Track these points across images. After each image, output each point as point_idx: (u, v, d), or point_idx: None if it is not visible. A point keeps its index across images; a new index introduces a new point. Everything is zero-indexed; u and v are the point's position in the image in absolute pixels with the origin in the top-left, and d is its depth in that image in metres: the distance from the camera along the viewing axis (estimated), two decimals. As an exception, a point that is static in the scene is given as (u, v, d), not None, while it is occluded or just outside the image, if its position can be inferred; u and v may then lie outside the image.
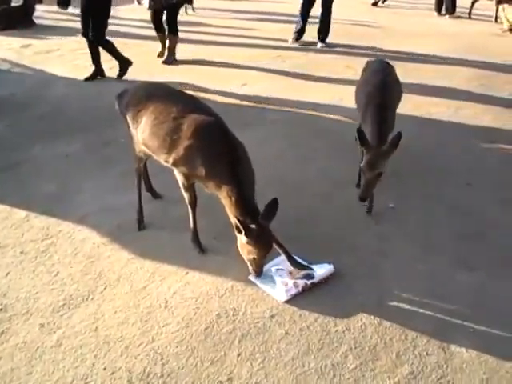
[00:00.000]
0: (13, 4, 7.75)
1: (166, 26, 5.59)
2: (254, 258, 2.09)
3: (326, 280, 2.20)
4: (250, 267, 2.15)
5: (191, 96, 2.61)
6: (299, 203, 2.84)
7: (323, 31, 6.44)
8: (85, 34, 4.86)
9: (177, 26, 5.55)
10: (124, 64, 5.08)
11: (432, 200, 2.94)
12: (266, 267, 2.23)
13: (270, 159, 3.31)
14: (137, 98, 2.49)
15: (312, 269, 2.20)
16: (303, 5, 6.35)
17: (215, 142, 2.18)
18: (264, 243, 2.05)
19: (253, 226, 2.02)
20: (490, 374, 1.80)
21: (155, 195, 2.89)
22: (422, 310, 2.08)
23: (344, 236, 2.57)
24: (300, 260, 2.24)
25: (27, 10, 7.50)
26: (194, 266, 2.30)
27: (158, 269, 2.29)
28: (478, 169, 3.37)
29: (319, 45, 6.45)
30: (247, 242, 2.04)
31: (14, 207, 2.77)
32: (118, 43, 5.50)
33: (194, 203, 2.37)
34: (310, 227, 2.63)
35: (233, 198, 2.08)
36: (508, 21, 8.01)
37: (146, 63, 5.50)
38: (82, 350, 1.86)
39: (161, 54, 5.77)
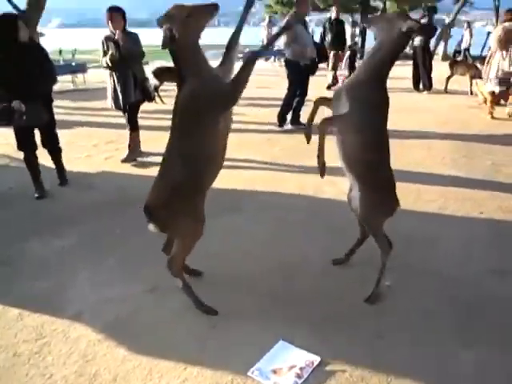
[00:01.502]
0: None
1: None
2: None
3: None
4: None
5: None
6: (296, 283, 2.83)
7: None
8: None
9: (137, 124, 5.50)
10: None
11: (429, 276, 2.94)
12: (262, 363, 2.18)
13: (267, 241, 3.35)
14: None
15: None
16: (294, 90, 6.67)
17: None
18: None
19: None
20: None
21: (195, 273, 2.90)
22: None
23: (340, 316, 2.54)
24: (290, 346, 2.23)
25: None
26: (193, 361, 2.23)
27: (156, 366, 2.22)
28: (469, 239, 3.41)
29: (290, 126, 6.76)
30: None
31: (7, 305, 2.72)
32: (114, 134, 5.74)
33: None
34: (304, 307, 2.60)
35: None
36: (482, 93, 8.48)
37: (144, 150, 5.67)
38: None
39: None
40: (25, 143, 4.40)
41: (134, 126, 5.47)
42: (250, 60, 2.38)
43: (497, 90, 7.45)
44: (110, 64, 4.97)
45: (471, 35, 15.32)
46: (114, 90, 5.15)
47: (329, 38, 10.22)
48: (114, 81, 5.12)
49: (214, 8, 2.31)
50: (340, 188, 4.34)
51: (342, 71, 10.94)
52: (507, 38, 7.38)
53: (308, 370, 2.15)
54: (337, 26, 10.17)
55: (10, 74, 4.00)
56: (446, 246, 3.33)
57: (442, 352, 2.27)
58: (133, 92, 5.13)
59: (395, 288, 2.80)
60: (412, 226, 3.64)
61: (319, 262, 3.11)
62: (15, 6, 8.35)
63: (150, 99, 5.47)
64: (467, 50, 15.39)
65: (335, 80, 10.46)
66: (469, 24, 13.87)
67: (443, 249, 3.30)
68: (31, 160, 4.48)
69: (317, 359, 2.21)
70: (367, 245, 3.31)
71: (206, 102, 2.26)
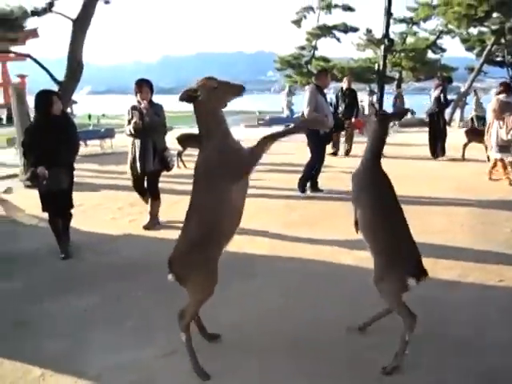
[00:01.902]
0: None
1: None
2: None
3: None
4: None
5: None
6: (310, 352, 2.84)
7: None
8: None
9: (158, 192, 5.55)
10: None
11: (443, 339, 2.92)
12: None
13: (280, 308, 3.38)
14: None
15: None
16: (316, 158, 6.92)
17: None
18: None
19: None
20: None
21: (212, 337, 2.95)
22: None
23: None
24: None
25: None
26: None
27: (172, 430, 2.23)
28: (487, 307, 3.38)
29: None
30: None
31: (30, 364, 2.79)
32: (137, 197, 5.97)
33: None
34: (318, 375, 2.59)
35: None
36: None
37: (164, 216, 5.83)
38: None
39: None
40: (48, 206, 4.65)
41: (154, 194, 5.57)
42: (268, 138, 2.56)
43: (498, 156, 7.73)
44: (133, 132, 5.21)
45: (477, 103, 15.66)
46: (134, 158, 5.33)
47: (342, 107, 10.56)
48: (134, 148, 5.32)
49: (241, 89, 2.57)
50: (356, 256, 4.42)
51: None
52: (501, 109, 7.72)
53: None
54: (349, 96, 10.49)
55: (41, 142, 4.38)
56: (466, 314, 3.30)
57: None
58: (152, 160, 5.30)
59: (413, 357, 2.77)
60: (431, 292, 3.63)
61: (334, 330, 3.12)
62: (54, 78, 9.00)
63: (169, 169, 5.61)
64: (476, 117, 15.69)
65: (336, 148, 10.81)
66: (475, 92, 14.24)
67: (463, 316, 3.27)
68: (54, 222, 4.71)
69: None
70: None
71: (220, 168, 2.46)
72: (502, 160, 7.73)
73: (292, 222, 5.63)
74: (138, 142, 5.30)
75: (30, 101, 10.20)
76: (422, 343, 2.92)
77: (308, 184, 7.02)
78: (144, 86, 5.29)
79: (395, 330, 2.98)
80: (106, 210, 6.41)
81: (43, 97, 4.51)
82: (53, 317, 3.41)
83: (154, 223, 5.56)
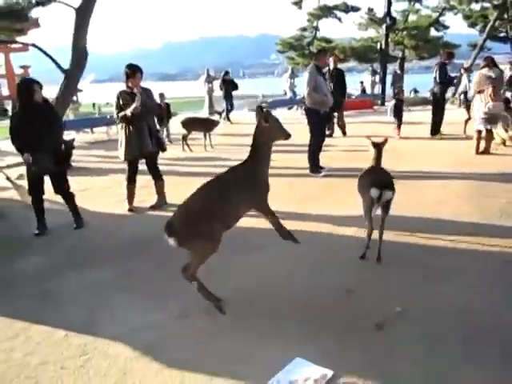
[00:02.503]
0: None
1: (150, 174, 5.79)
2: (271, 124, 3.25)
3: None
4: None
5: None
6: (312, 309, 3.09)
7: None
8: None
9: (160, 172, 5.81)
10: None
11: (436, 301, 3.16)
12: (280, 375, 2.43)
13: (286, 273, 3.63)
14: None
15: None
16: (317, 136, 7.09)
17: None
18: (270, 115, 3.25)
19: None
20: None
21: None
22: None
23: (352, 337, 2.77)
24: (305, 362, 2.48)
25: (65, 156, 8.50)
26: (219, 373, 2.50)
27: (186, 377, 2.50)
28: (480, 271, 3.61)
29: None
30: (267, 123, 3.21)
31: (54, 327, 3.07)
32: (146, 180, 6.21)
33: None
34: (319, 330, 2.84)
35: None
36: (499, 136, 8.75)
37: (170, 197, 6.07)
38: None
39: (130, 209, 5.71)
40: (32, 189, 4.96)
41: (157, 175, 5.80)
42: (271, 217, 3.31)
43: (481, 128, 8.03)
44: (129, 116, 5.26)
45: (469, 80, 15.63)
46: (128, 142, 5.41)
47: (331, 87, 10.57)
48: (128, 133, 5.39)
49: (287, 136, 3.34)
50: (355, 227, 4.65)
51: (390, 119, 11.10)
52: (481, 82, 8.06)
53: (322, 382, 2.39)
54: (337, 76, 10.47)
55: (24, 129, 4.64)
56: (459, 279, 3.52)
57: (450, 367, 2.47)
58: (150, 142, 5.46)
59: (406, 315, 3.01)
60: (426, 257, 3.87)
61: (333, 292, 3.36)
62: (59, 66, 9.19)
63: (164, 149, 5.81)
64: (465, 93, 15.67)
65: (331, 129, 10.68)
66: (465, 69, 14.30)
67: (456, 281, 3.49)
68: (36, 203, 5.01)
69: (330, 373, 2.45)
70: (380, 276, 3.59)
71: (243, 187, 3.13)
72: (480, 132, 8.03)
73: (296, 199, 5.85)
74: (131, 127, 5.37)
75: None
76: (415, 305, 3.17)
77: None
78: (137, 72, 5.37)
79: (387, 295, 3.23)
80: (114, 193, 6.65)
81: (25, 86, 4.74)
82: (72, 287, 3.68)
83: (161, 203, 5.81)
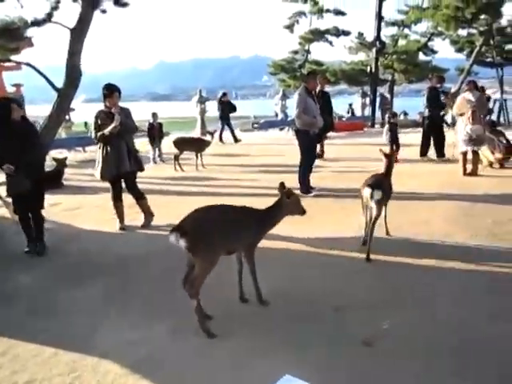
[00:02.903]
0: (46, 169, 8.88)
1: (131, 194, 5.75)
2: (299, 202, 3.58)
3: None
4: (300, 212, 3.60)
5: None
6: (299, 328, 3.12)
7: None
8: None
9: (140, 190, 5.78)
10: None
11: (422, 317, 3.21)
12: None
13: (275, 291, 3.66)
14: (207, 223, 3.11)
15: None
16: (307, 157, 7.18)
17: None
18: (294, 194, 3.57)
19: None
20: None
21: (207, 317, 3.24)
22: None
23: (340, 356, 2.80)
24: (294, 379, 2.49)
25: (57, 174, 8.55)
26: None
27: (175, 394, 2.51)
28: (465, 289, 3.67)
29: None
30: (291, 199, 3.51)
31: (44, 345, 3.06)
32: (131, 199, 6.23)
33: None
34: (308, 348, 2.87)
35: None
36: (486, 158, 8.95)
37: (160, 215, 6.11)
38: None
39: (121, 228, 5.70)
40: (17, 207, 4.99)
41: (138, 194, 5.76)
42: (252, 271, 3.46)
43: (465, 149, 8.26)
44: (108, 135, 5.26)
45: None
46: (105, 161, 5.38)
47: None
48: (105, 152, 5.37)
49: (303, 213, 3.63)
50: (345, 246, 4.73)
51: (383, 141, 10.99)
52: (460, 105, 8.34)
53: (310, 398, 2.40)
54: (323, 98, 10.55)
55: (3, 147, 4.63)
56: (444, 296, 3.58)
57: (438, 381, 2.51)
58: (128, 162, 5.43)
59: (393, 331, 3.06)
60: (413, 276, 3.94)
61: (322, 308, 3.40)
62: (53, 86, 9.27)
63: (142, 169, 5.79)
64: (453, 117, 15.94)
65: (321, 151, 10.75)
66: (447, 96, 14.52)
67: (442, 298, 3.55)
68: (21, 220, 4.99)
69: (318, 389, 2.47)
70: (368, 293, 3.64)
71: (247, 225, 3.33)
72: (465, 153, 8.23)
73: (285, 218, 5.90)
74: (109, 147, 5.36)
75: (28, 109, 10.54)
76: (402, 321, 3.22)
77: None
78: (114, 92, 5.41)
79: (375, 311, 3.28)
80: (106, 211, 6.65)
81: (3, 105, 4.80)
82: (62, 305, 3.69)
83: (149, 220, 5.81)
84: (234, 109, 16.02)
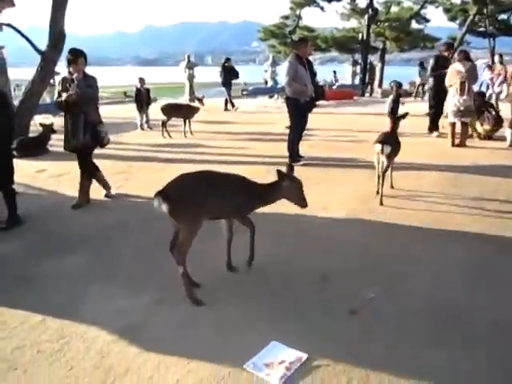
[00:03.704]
0: (30, 135, 8.70)
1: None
2: (300, 190, 3.40)
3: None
4: (301, 202, 3.39)
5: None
6: (287, 294, 3.16)
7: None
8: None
9: (92, 168, 5.35)
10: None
11: (407, 287, 3.27)
12: (256, 359, 2.50)
13: (263, 258, 3.68)
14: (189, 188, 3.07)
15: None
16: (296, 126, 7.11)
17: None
18: (296, 179, 3.42)
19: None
20: None
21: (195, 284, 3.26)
22: (401, 386, 2.31)
23: (327, 322, 2.85)
24: (281, 345, 2.55)
25: (43, 140, 8.37)
26: (195, 357, 2.54)
27: (163, 360, 2.53)
28: (446, 261, 3.73)
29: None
30: (292, 183, 3.38)
31: (31, 311, 3.06)
32: (124, 166, 6.16)
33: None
34: (295, 316, 2.92)
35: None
36: (475, 130, 8.98)
37: (148, 183, 6.06)
38: (94, 434, 2.05)
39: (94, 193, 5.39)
40: None
41: (85, 171, 5.32)
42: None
43: (454, 120, 8.28)
44: (64, 104, 4.91)
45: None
46: (65, 132, 5.10)
47: None
48: (66, 122, 5.07)
49: (303, 205, 3.43)
50: (332, 215, 4.76)
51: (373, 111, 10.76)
52: (451, 76, 8.23)
53: (296, 364, 2.46)
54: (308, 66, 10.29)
55: None
56: (427, 268, 3.63)
57: (415, 351, 2.57)
58: (82, 135, 5.02)
59: (379, 301, 3.11)
60: (399, 245, 3.98)
61: (309, 277, 3.44)
62: (36, 48, 8.98)
63: (102, 144, 5.30)
64: (422, 85, 15.89)
65: None
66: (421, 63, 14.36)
67: (424, 270, 3.60)
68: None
69: (304, 356, 2.52)
70: (354, 264, 3.68)
71: (238, 194, 3.25)
72: (453, 124, 8.24)
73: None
74: (68, 116, 5.05)
75: (11, 73, 10.20)
76: (387, 292, 3.27)
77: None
78: (79, 57, 4.97)
79: (361, 281, 3.33)
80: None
81: None
82: (50, 272, 3.66)
83: (84, 201, 5.32)
84: (236, 75, 15.61)
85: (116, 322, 2.91)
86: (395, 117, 5.66)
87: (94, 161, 5.47)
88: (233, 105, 15.27)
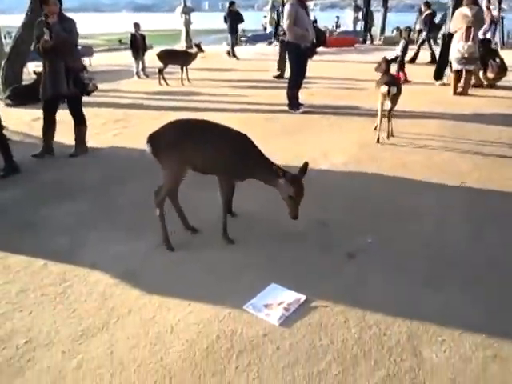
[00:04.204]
0: (24, 83, 8.49)
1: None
2: (291, 196, 2.82)
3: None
4: (290, 208, 2.87)
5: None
6: (286, 239, 3.19)
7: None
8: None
9: (83, 116, 5.18)
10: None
11: (406, 232, 3.30)
12: (255, 300, 2.55)
13: (264, 206, 3.69)
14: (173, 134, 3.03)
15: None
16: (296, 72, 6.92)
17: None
18: (299, 184, 2.82)
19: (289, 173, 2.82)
20: (457, 374, 2.06)
21: (193, 229, 3.30)
22: (397, 325, 2.37)
23: (325, 265, 2.90)
24: (280, 287, 2.62)
25: (37, 87, 8.17)
26: (196, 298, 2.60)
27: (164, 302, 2.59)
28: (449, 207, 3.75)
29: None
30: (286, 184, 2.81)
31: (34, 257, 3.09)
32: (121, 114, 6.06)
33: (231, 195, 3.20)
34: (294, 259, 2.96)
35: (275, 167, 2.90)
36: (478, 79, 8.79)
37: (146, 130, 5.97)
38: (99, 370, 2.12)
39: (40, 155, 5.09)
40: None
41: (79, 120, 5.15)
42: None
43: (458, 68, 8.01)
44: (41, 50, 4.64)
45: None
46: (44, 80, 4.85)
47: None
48: (45, 70, 4.81)
49: (293, 215, 2.93)
50: (331, 161, 4.73)
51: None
52: (457, 21, 7.92)
53: (295, 305, 2.52)
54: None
55: None
56: (428, 215, 3.65)
57: (413, 293, 2.63)
58: (65, 83, 4.76)
59: (377, 245, 3.15)
60: (398, 193, 3.99)
61: (308, 223, 3.46)
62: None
63: (87, 92, 5.10)
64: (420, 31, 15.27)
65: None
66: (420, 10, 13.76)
67: (425, 216, 3.62)
68: None
69: (303, 297, 2.57)
70: (353, 210, 3.69)
71: (225, 153, 2.98)
72: (457, 72, 8.00)
73: (273, 133, 5.84)
74: (47, 63, 4.78)
75: (2, 19, 9.81)
76: (387, 234, 3.30)
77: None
78: None
79: (359, 227, 3.34)
80: (89, 125, 6.43)
81: None
82: (50, 219, 3.67)
83: (81, 150, 5.20)
84: (241, 20, 15.00)
85: (116, 267, 2.95)
86: (387, 60, 5.69)
87: (94, 108, 5.37)
88: (234, 55, 14.81)
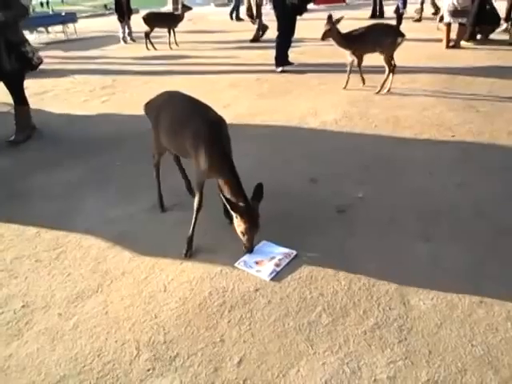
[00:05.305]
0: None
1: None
2: (242, 232, 2.50)
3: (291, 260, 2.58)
4: (243, 242, 2.56)
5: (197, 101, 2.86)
6: (278, 196, 3.21)
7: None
8: None
9: (24, 95, 4.66)
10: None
11: (397, 186, 3.32)
12: (246, 257, 2.59)
13: (255, 165, 3.68)
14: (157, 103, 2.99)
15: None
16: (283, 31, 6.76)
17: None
18: (251, 219, 2.47)
19: (242, 204, 2.42)
20: (443, 319, 2.12)
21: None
22: (385, 276, 2.41)
23: (316, 221, 2.93)
24: (271, 244, 2.66)
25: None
26: (187, 259, 2.64)
27: (157, 263, 2.63)
28: (436, 160, 3.75)
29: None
30: (236, 218, 2.46)
31: (26, 225, 3.11)
32: (109, 80, 5.95)
33: (200, 206, 2.70)
34: (284, 216, 2.99)
35: (229, 184, 2.51)
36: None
37: (134, 96, 5.90)
38: (95, 329, 2.17)
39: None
40: None
41: (19, 99, 4.66)
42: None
43: (450, 21, 7.90)
44: None
45: None
46: None
47: None
48: None
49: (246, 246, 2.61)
50: (321, 120, 4.70)
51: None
52: None
53: (286, 260, 2.56)
54: None
55: None
56: (418, 166, 3.66)
57: (403, 245, 2.67)
58: (7, 59, 4.34)
59: (367, 199, 3.17)
60: (389, 147, 3.99)
61: (297, 181, 3.47)
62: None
63: (32, 67, 4.59)
64: None
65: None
66: None
67: (416, 168, 3.63)
68: None
69: (293, 252, 2.61)
70: (343, 165, 3.69)
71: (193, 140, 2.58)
72: (449, 25, 7.89)
73: (263, 93, 5.78)
74: None
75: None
76: (378, 189, 3.32)
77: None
78: None
79: (349, 182, 3.35)
80: (77, 93, 6.41)
81: None
82: (42, 187, 3.67)
83: (24, 135, 4.71)
84: None
85: (109, 231, 2.98)
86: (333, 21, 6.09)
87: (81, 75, 5.26)
88: (236, 17, 13.86)
